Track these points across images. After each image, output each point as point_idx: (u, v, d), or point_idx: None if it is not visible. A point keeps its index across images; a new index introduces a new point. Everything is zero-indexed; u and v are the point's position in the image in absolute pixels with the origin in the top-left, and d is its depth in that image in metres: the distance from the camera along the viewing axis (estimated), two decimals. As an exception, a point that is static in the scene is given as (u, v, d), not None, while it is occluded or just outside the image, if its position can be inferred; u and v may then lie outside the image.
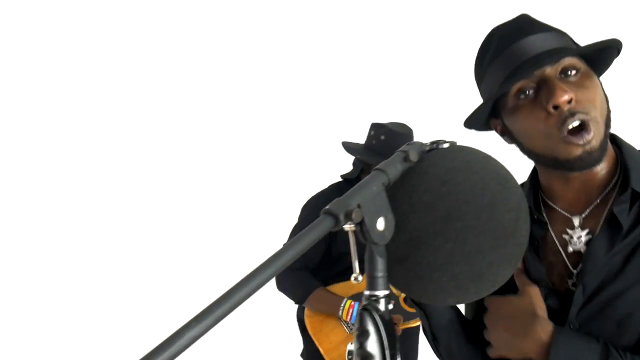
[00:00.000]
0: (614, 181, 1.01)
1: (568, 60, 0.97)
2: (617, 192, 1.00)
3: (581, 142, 0.93)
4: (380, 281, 0.67)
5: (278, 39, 3.46)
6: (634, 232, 0.97)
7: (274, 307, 2.80)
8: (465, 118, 1.06)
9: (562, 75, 0.97)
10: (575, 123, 0.93)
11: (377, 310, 0.65)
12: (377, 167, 0.70)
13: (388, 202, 0.68)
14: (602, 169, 1.01)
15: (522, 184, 1.11)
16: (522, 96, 0.98)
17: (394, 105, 3.13)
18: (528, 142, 1.02)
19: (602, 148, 0.96)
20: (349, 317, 2.19)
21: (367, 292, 0.67)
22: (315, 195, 2.33)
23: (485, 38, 1.06)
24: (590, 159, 0.95)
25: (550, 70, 0.96)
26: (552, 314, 0.99)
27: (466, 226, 0.70)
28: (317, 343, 2.25)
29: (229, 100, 3.45)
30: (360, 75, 3.37)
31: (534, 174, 1.10)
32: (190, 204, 3.35)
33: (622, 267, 0.96)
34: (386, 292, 0.67)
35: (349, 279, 2.09)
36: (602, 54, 1.01)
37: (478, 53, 1.06)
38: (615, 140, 1.05)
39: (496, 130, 1.09)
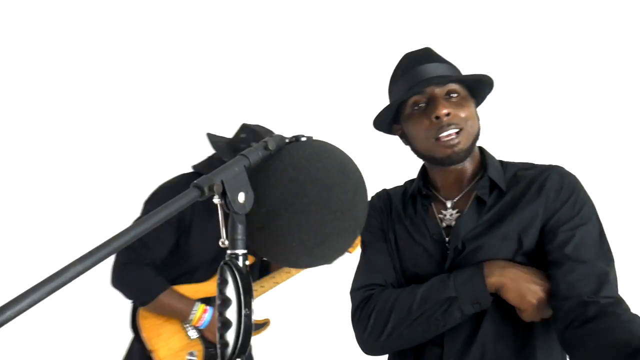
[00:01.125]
0: (478, 177, 1.36)
1: (452, 86, 1.30)
2: (479, 185, 1.33)
3: (450, 145, 1.27)
4: (239, 242, 0.85)
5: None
6: (492, 210, 1.30)
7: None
8: (374, 118, 1.38)
9: (447, 96, 1.30)
10: (450, 131, 1.27)
11: (236, 264, 0.83)
12: (241, 152, 0.89)
13: (249, 181, 0.86)
14: (469, 168, 1.36)
15: (414, 179, 1.46)
16: (416, 107, 1.31)
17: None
18: (415, 143, 1.35)
19: (468, 151, 1.30)
20: (200, 322, 2.07)
21: (229, 251, 0.85)
22: (165, 187, 2.14)
23: (399, 61, 1.40)
24: (457, 158, 1.29)
25: (438, 91, 1.29)
26: (434, 266, 1.32)
27: (310, 202, 0.90)
28: (151, 349, 2.06)
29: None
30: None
31: (423, 169, 1.44)
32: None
33: (483, 232, 1.29)
34: (244, 251, 0.85)
35: (195, 279, 2.10)
36: (479, 86, 1.36)
37: (393, 72, 1.40)
38: (480, 149, 1.40)
39: (397, 134, 1.43)
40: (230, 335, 0.81)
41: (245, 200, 0.85)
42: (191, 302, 2.06)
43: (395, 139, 1.47)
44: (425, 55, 1.36)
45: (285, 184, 0.91)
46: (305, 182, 0.91)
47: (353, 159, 1.02)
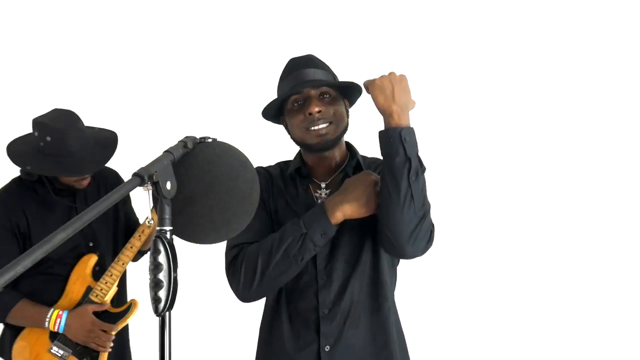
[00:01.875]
0: (345, 164, 1.72)
1: (325, 89, 1.62)
2: (348, 165, 1.70)
3: (320, 134, 1.59)
4: (167, 220, 1.06)
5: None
6: None
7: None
8: (262, 109, 1.66)
9: (321, 96, 1.62)
10: (321, 125, 1.59)
11: (166, 237, 1.05)
12: (166, 150, 1.10)
13: (173, 172, 1.08)
14: (338, 156, 1.70)
15: (290, 161, 1.78)
16: (296, 104, 1.63)
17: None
18: (293, 132, 1.66)
19: (335, 140, 1.63)
20: (56, 327, 2.13)
21: (158, 228, 1.06)
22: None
23: (286, 63, 1.68)
24: (325, 145, 1.62)
25: (313, 92, 1.61)
26: None
27: (221, 190, 1.15)
28: None
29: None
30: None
31: (300, 155, 1.75)
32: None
33: None
34: (170, 227, 1.07)
35: (55, 272, 2.21)
36: (348, 90, 1.69)
37: (281, 73, 1.69)
38: (349, 145, 1.76)
39: (283, 124, 1.73)
40: (163, 293, 1.03)
41: (171, 187, 1.07)
42: (45, 309, 2.14)
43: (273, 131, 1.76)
44: (307, 61, 1.66)
45: (201, 176, 1.14)
46: (217, 175, 1.15)
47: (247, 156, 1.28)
